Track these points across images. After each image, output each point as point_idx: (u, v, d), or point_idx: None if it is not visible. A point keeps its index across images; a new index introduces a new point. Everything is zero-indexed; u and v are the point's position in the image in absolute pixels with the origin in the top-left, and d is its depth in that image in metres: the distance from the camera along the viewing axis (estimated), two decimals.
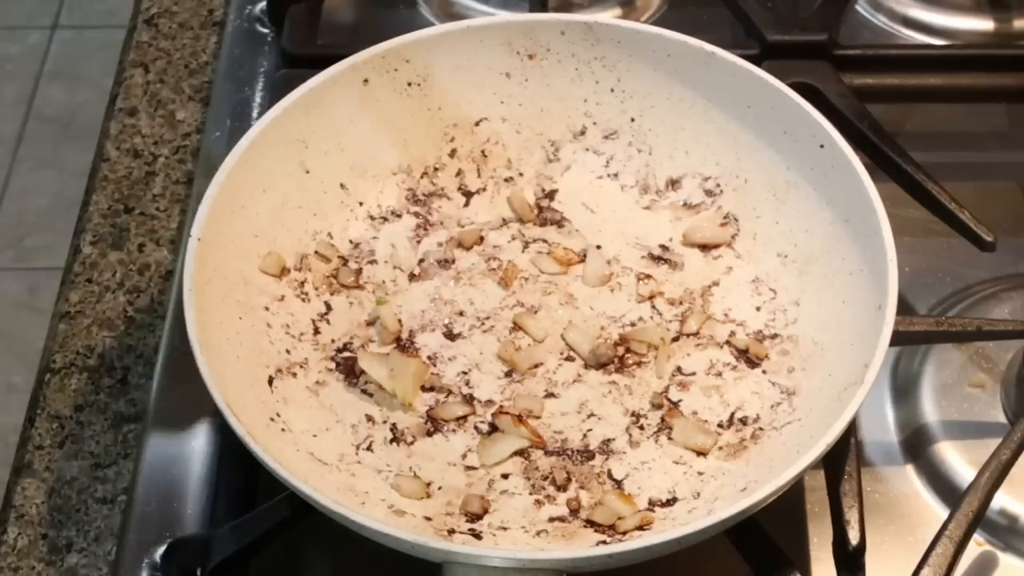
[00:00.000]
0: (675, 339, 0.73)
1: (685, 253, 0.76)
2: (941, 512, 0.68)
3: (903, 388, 0.73)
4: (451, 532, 0.65)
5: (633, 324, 0.73)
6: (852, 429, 0.67)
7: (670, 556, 0.60)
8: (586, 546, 0.64)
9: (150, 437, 0.72)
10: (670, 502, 0.66)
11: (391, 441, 0.69)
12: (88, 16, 2.19)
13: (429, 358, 0.72)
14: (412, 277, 0.75)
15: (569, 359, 0.72)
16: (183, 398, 0.73)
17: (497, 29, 0.77)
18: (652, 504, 0.66)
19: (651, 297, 0.74)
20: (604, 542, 0.65)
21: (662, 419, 0.70)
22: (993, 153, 0.87)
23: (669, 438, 0.69)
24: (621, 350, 0.72)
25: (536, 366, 0.72)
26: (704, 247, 0.75)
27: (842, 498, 0.66)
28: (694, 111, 0.76)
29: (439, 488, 0.67)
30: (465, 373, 0.72)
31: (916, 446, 0.71)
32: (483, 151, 0.78)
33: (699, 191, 0.77)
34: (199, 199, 0.69)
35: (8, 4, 2.20)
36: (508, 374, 0.72)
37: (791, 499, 0.68)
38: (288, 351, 0.70)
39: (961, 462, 0.70)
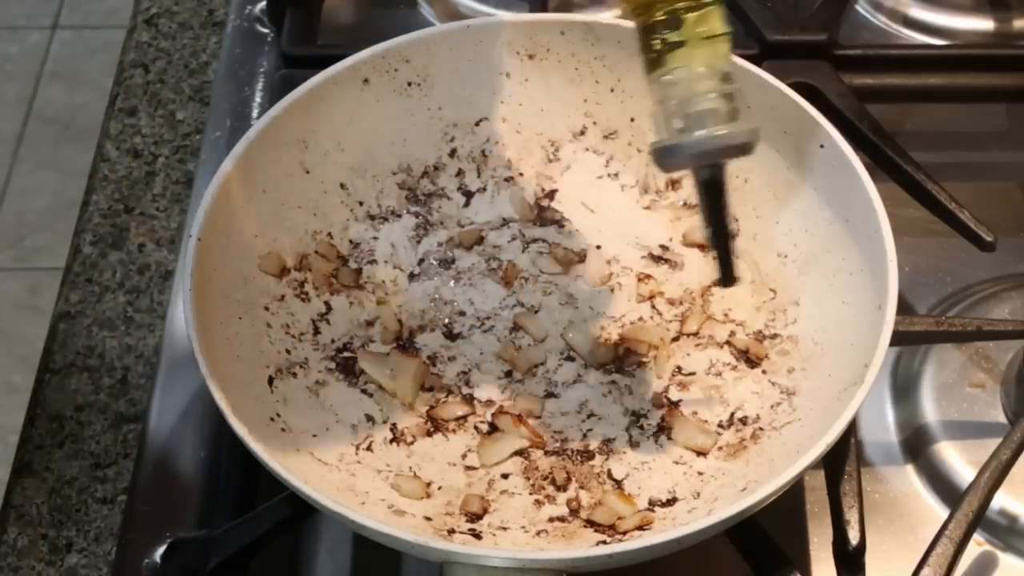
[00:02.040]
0: (675, 339, 0.73)
1: (685, 253, 0.76)
2: (941, 512, 0.68)
3: (903, 388, 0.73)
4: (451, 532, 0.65)
5: (633, 324, 0.73)
6: (852, 429, 0.67)
7: (670, 556, 0.60)
8: (586, 546, 0.64)
9: (150, 437, 0.72)
10: (670, 502, 0.66)
11: (391, 441, 0.69)
12: (88, 16, 2.19)
13: (429, 358, 0.72)
14: (412, 277, 0.75)
15: (569, 359, 0.72)
16: (183, 398, 0.73)
17: (497, 29, 0.77)
18: (652, 504, 0.66)
19: (651, 297, 0.74)
20: (604, 542, 0.65)
21: (662, 419, 0.70)
22: (993, 153, 0.87)
23: (669, 438, 0.69)
24: (621, 350, 0.72)
25: (536, 366, 0.72)
26: (704, 247, 0.76)
27: (842, 498, 0.66)
28: None
29: (439, 488, 0.67)
30: (465, 373, 0.72)
31: (916, 446, 0.71)
32: (483, 151, 0.78)
33: None
34: (199, 199, 0.69)
35: (8, 4, 2.20)
36: (508, 374, 0.72)
37: (791, 499, 0.68)
38: (288, 351, 0.70)
39: (961, 462, 0.70)
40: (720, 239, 0.64)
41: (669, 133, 0.62)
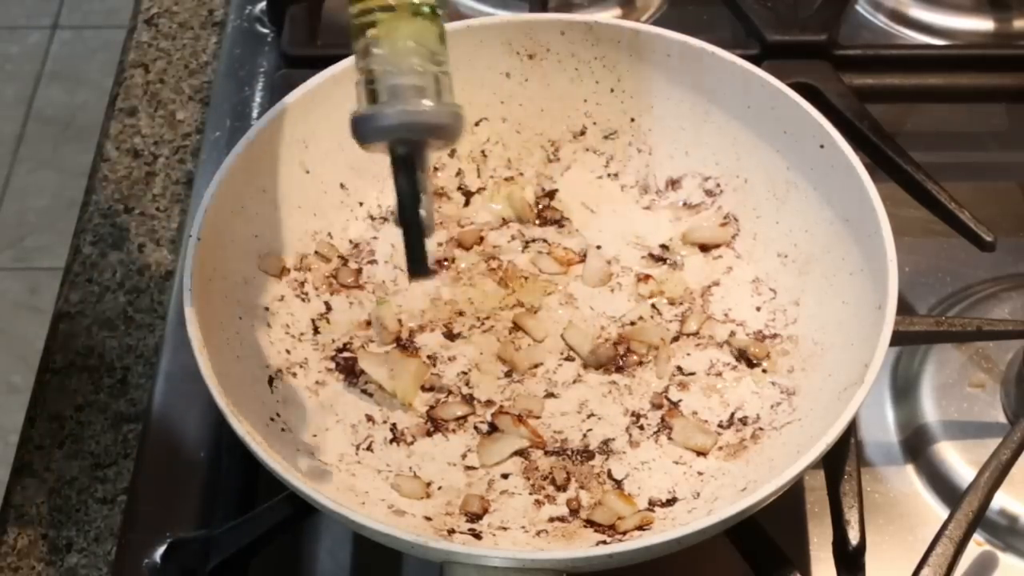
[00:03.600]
0: (675, 339, 0.73)
1: (685, 253, 0.76)
2: (941, 512, 0.68)
3: (903, 388, 0.73)
4: (451, 532, 0.65)
5: (633, 324, 0.73)
6: (852, 429, 0.67)
7: (670, 556, 0.60)
8: (586, 546, 0.64)
9: (150, 437, 0.72)
10: (670, 502, 0.66)
11: (391, 441, 0.69)
12: (88, 16, 2.19)
13: (429, 358, 0.72)
14: None
15: (569, 359, 0.72)
16: (183, 398, 0.73)
17: (497, 29, 0.77)
18: (652, 504, 0.66)
19: (651, 297, 0.74)
20: (604, 542, 0.65)
21: (662, 419, 0.70)
22: (993, 153, 0.87)
23: (669, 438, 0.69)
24: (621, 350, 0.72)
25: (536, 366, 0.72)
26: (704, 247, 0.76)
27: (842, 498, 0.66)
28: (694, 111, 0.76)
29: (439, 488, 0.67)
30: (465, 373, 0.72)
31: (916, 446, 0.71)
32: (483, 151, 0.78)
33: (699, 191, 0.77)
34: (199, 199, 0.69)
35: (8, 4, 2.20)
36: (508, 374, 0.72)
37: (791, 499, 0.68)
38: (288, 351, 0.70)
39: (961, 462, 0.70)
40: (410, 226, 0.60)
41: (369, 105, 0.59)
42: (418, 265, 0.60)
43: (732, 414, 0.70)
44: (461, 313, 0.74)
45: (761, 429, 0.68)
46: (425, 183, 0.59)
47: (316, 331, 0.72)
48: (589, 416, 0.70)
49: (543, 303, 0.74)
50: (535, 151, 0.79)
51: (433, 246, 0.76)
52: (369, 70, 0.59)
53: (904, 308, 0.72)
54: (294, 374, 0.70)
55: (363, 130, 0.59)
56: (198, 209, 0.68)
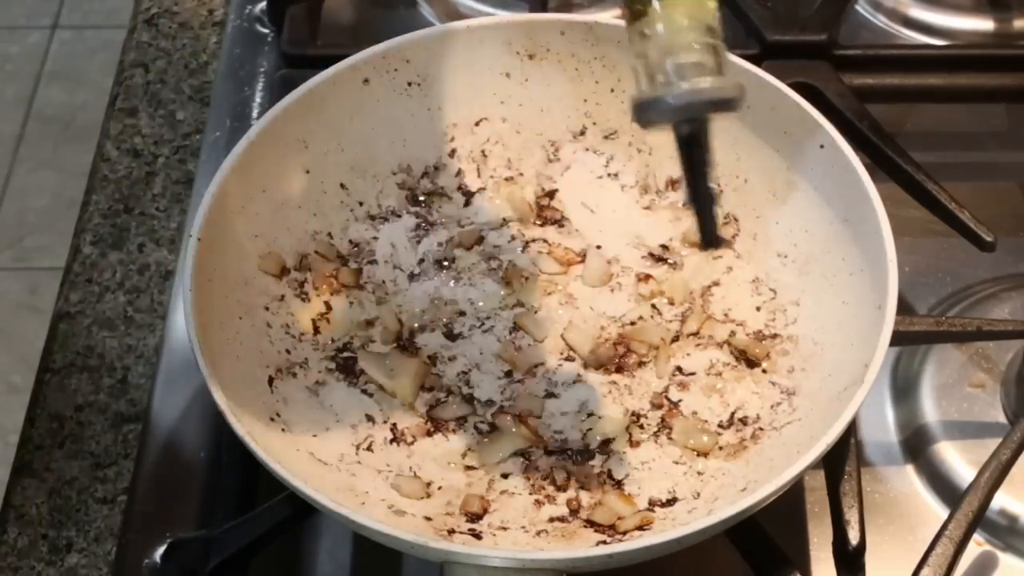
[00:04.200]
0: (675, 339, 0.73)
1: (685, 253, 0.76)
2: (941, 512, 0.68)
3: (903, 388, 0.73)
4: (451, 532, 0.65)
5: (633, 324, 0.73)
6: (852, 429, 0.67)
7: (670, 556, 0.60)
8: (586, 546, 0.64)
9: (150, 437, 0.72)
10: (670, 502, 0.66)
11: (391, 441, 0.69)
12: (88, 16, 2.19)
13: (429, 358, 0.72)
14: (412, 277, 0.75)
15: (569, 359, 0.72)
16: (183, 398, 0.73)
17: (497, 29, 0.77)
18: (652, 504, 0.66)
19: (651, 297, 0.74)
20: (604, 542, 0.65)
21: (662, 419, 0.70)
22: (993, 153, 0.87)
23: (669, 438, 0.69)
24: (621, 350, 0.72)
25: (536, 366, 0.72)
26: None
27: (842, 498, 0.66)
28: None
29: (439, 488, 0.67)
30: (465, 373, 0.72)
31: (916, 446, 0.71)
32: (483, 151, 0.78)
33: None
34: (199, 199, 0.69)
35: (8, 4, 2.20)
36: (508, 374, 0.72)
37: (791, 499, 0.68)
38: (288, 351, 0.70)
39: (961, 462, 0.70)
40: (701, 200, 0.60)
41: (650, 87, 0.58)
42: (711, 236, 0.60)
43: (732, 414, 0.70)
44: (461, 313, 0.74)
45: (761, 429, 0.68)
46: (711, 155, 0.59)
47: (316, 331, 0.72)
48: (589, 416, 0.70)
49: (543, 303, 0.74)
50: (535, 151, 0.79)
51: (433, 246, 0.76)
52: (646, 53, 0.58)
53: (904, 308, 0.72)
54: (294, 374, 0.70)
55: (646, 114, 0.58)
56: (198, 209, 0.68)
